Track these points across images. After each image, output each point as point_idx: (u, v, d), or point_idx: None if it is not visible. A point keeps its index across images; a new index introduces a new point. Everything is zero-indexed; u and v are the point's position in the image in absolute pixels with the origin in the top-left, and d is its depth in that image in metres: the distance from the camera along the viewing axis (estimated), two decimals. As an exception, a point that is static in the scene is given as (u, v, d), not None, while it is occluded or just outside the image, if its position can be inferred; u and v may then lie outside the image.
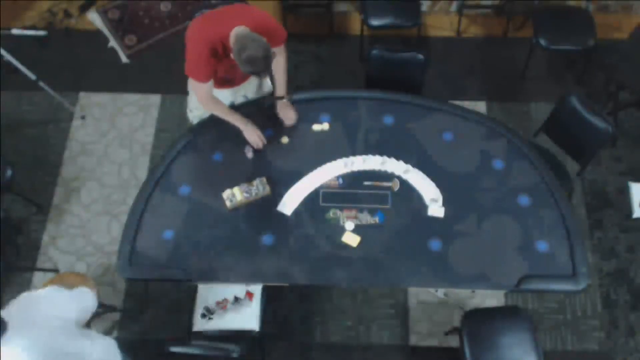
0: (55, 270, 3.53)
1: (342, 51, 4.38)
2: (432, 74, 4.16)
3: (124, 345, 3.35)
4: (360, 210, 2.82)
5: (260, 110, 3.07)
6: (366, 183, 2.90)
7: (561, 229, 2.76)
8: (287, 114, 3.03)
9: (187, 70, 2.76)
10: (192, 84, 2.86)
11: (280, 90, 3.03)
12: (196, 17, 2.84)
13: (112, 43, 4.39)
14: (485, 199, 2.84)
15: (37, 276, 3.54)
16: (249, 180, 2.86)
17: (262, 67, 2.55)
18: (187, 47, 2.71)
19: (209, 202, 2.85)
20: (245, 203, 2.83)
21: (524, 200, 2.84)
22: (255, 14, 2.74)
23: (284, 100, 3.02)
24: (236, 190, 2.82)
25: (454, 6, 4.49)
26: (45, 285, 3.01)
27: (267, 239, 2.76)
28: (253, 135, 2.94)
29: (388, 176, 2.92)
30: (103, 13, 4.52)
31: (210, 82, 2.81)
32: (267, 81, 3.27)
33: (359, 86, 3.48)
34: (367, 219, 2.80)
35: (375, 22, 3.87)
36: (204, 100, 2.90)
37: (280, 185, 2.89)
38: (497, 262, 2.69)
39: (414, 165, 2.93)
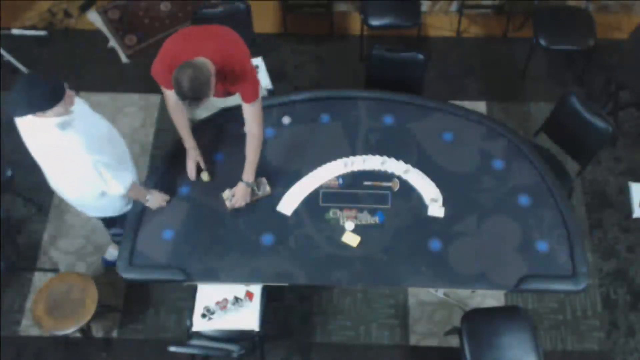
0: (56, 270, 3.53)
1: (342, 51, 4.38)
2: (432, 74, 4.17)
3: (124, 346, 3.37)
4: (360, 210, 2.83)
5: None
6: (366, 183, 2.90)
7: (561, 229, 2.76)
8: (238, 198, 2.78)
9: (152, 74, 2.75)
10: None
11: (246, 172, 2.78)
12: (182, 29, 2.77)
13: (112, 43, 4.39)
14: (485, 199, 2.84)
15: (37, 276, 3.54)
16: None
17: (184, 94, 2.41)
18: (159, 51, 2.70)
19: (209, 202, 2.85)
20: (245, 203, 2.83)
21: (524, 200, 2.84)
22: (233, 53, 2.61)
23: (245, 185, 2.78)
24: (236, 190, 2.82)
25: (454, 6, 4.49)
26: (45, 285, 3.02)
27: (267, 239, 2.76)
28: (190, 162, 2.88)
29: (388, 176, 2.92)
30: (103, 13, 4.52)
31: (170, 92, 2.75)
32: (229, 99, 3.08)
33: (359, 86, 3.49)
34: (367, 219, 2.80)
35: (375, 22, 3.87)
36: (167, 106, 2.86)
37: (280, 185, 2.89)
38: (497, 262, 2.69)
39: (414, 165, 2.93)
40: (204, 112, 3.15)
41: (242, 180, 2.79)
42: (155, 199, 2.78)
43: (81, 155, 2.37)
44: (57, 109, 2.28)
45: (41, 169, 2.66)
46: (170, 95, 2.75)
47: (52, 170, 2.62)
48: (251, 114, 2.73)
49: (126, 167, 2.74)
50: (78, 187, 2.67)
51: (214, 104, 3.14)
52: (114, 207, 2.87)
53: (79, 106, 2.47)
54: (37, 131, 2.34)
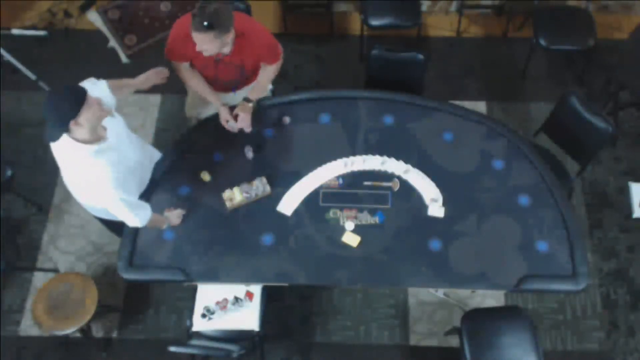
0: (55, 270, 3.53)
1: (342, 51, 4.38)
2: (432, 74, 4.16)
3: (124, 346, 3.37)
4: (360, 210, 2.82)
5: (257, 113, 3.08)
6: (366, 183, 2.90)
7: (561, 229, 2.76)
8: (244, 117, 2.91)
9: (165, 51, 2.81)
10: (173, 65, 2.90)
11: (253, 93, 2.95)
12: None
13: (112, 43, 4.39)
14: (485, 199, 2.84)
15: (37, 276, 3.54)
16: (249, 180, 2.86)
17: (206, 15, 2.42)
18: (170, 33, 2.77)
19: (209, 202, 2.85)
20: (245, 203, 2.83)
21: (524, 200, 2.84)
22: (248, 22, 2.72)
23: (249, 104, 2.93)
24: (236, 190, 2.82)
25: (454, 6, 4.49)
26: (45, 285, 3.02)
27: (267, 239, 2.76)
28: (225, 115, 2.94)
29: (388, 176, 2.92)
30: (103, 13, 4.52)
31: (185, 64, 2.86)
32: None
33: (359, 86, 3.49)
34: (367, 219, 2.80)
35: (375, 22, 3.87)
36: (181, 76, 2.92)
37: (280, 185, 2.89)
38: (497, 262, 2.69)
39: (414, 165, 2.93)
40: (207, 110, 3.15)
41: (248, 100, 2.90)
42: (172, 220, 2.76)
43: (107, 189, 2.38)
44: (83, 131, 2.27)
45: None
46: (184, 67, 2.85)
47: (78, 190, 2.66)
48: (274, 66, 2.92)
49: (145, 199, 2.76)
50: (98, 206, 2.72)
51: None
52: None
53: (117, 129, 2.48)
54: (71, 155, 2.35)
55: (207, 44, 2.53)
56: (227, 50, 2.63)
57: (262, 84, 2.98)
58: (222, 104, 2.95)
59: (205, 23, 2.43)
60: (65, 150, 2.35)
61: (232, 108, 2.98)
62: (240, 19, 2.68)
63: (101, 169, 2.33)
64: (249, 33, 2.70)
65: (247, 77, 3.00)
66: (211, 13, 2.43)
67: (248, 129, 2.94)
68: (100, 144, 2.34)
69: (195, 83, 2.93)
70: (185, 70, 2.90)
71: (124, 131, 2.55)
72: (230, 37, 2.57)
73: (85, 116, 2.22)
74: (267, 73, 2.97)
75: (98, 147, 2.33)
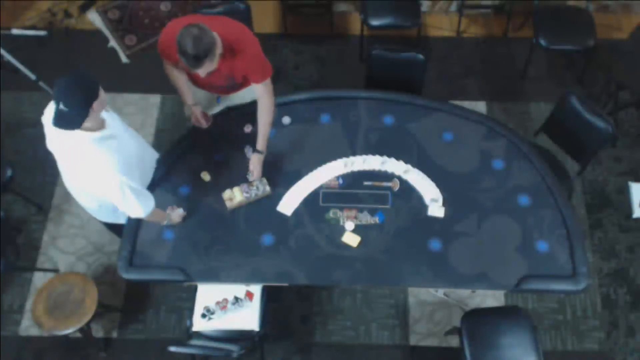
0: (55, 270, 3.53)
1: (342, 51, 4.38)
2: (432, 74, 4.16)
3: (124, 346, 3.37)
4: (360, 210, 2.82)
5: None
6: (366, 183, 2.90)
7: (561, 229, 2.76)
8: (255, 170, 2.84)
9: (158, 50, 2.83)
10: None
11: (259, 142, 2.84)
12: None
13: (112, 43, 4.39)
14: (485, 199, 2.84)
15: (37, 276, 3.54)
16: (249, 180, 2.86)
17: (185, 51, 2.43)
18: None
19: (209, 202, 2.85)
20: (245, 203, 2.83)
21: (524, 200, 2.84)
22: (241, 32, 2.67)
23: (259, 154, 2.84)
24: (236, 190, 2.82)
25: (454, 6, 4.49)
26: (45, 285, 3.02)
27: (267, 239, 2.76)
28: (195, 114, 2.94)
29: (388, 176, 2.92)
30: (103, 13, 4.52)
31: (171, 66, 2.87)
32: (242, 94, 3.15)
33: (359, 86, 3.49)
34: (367, 219, 2.80)
35: (375, 22, 3.87)
36: (167, 73, 2.93)
37: (280, 185, 2.89)
38: (497, 262, 2.69)
39: (414, 165, 2.93)
40: (207, 111, 3.15)
41: (256, 151, 2.84)
42: (173, 218, 2.75)
43: (111, 175, 2.37)
44: (93, 117, 2.28)
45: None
46: (172, 68, 2.85)
47: (77, 180, 2.64)
48: (262, 91, 2.80)
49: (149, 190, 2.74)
50: (98, 200, 2.71)
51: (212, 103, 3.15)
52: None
53: (113, 122, 2.49)
54: (72, 143, 2.35)
55: (200, 72, 2.58)
56: (214, 66, 2.60)
57: (263, 133, 2.84)
58: (194, 104, 2.94)
59: (194, 61, 2.46)
60: (68, 140, 2.34)
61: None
62: (229, 28, 2.63)
63: (106, 155, 2.34)
64: (237, 44, 2.64)
65: (238, 84, 2.97)
66: (193, 46, 2.41)
67: (254, 179, 2.87)
68: (102, 132, 2.36)
69: (178, 83, 2.93)
70: (171, 69, 2.89)
71: (120, 124, 2.56)
72: (217, 53, 2.54)
73: (98, 101, 2.25)
74: (264, 116, 2.83)
75: (100, 135, 2.35)
